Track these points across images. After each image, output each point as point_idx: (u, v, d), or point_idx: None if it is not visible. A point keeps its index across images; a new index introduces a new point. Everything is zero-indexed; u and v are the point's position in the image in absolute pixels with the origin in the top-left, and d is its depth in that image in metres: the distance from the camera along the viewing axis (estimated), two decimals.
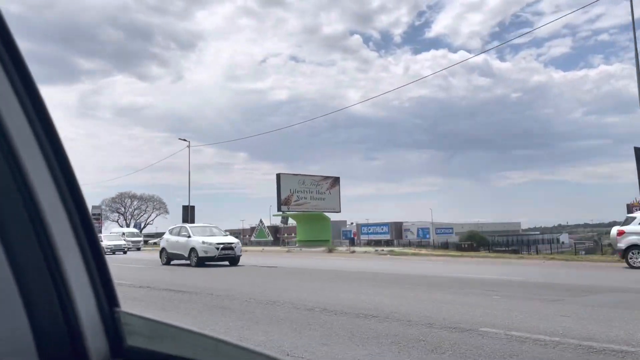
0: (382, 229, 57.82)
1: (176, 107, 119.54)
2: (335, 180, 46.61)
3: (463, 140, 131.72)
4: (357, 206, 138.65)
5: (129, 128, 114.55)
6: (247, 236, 65.60)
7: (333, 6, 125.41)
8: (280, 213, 44.50)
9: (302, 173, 45.44)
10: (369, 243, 49.50)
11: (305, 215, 44.10)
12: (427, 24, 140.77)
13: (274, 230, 65.10)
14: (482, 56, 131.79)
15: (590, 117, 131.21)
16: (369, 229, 58.69)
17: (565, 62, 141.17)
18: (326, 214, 44.04)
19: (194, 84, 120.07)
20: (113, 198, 75.15)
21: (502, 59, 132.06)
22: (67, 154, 0.73)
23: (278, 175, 43.08)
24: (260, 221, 52.87)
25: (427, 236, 54.10)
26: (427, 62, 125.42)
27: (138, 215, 77.77)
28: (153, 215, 77.83)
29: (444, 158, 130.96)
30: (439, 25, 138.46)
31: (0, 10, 0.67)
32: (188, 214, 41.00)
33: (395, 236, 55.73)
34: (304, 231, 44.42)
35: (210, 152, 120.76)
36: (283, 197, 42.20)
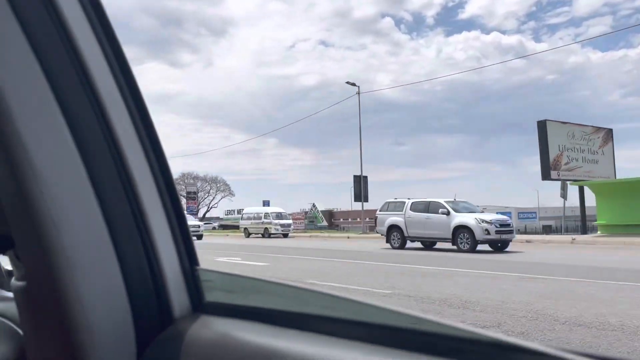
0: None
1: (207, 93, 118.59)
2: (608, 134, 29.56)
3: (496, 124, 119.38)
4: (386, 192, 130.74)
5: (160, 115, 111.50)
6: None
7: None
8: (556, 180, 26.51)
9: (570, 122, 28.08)
10: None
11: (615, 185, 24.77)
12: (461, 5, 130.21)
13: (328, 215, 63.16)
14: (517, 37, 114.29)
15: (630, 99, 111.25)
16: None
17: (603, 42, 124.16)
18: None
19: (224, 70, 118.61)
20: (175, 179, 72.55)
21: (537, 39, 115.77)
22: (153, 122, 0.78)
23: (542, 123, 26.40)
24: (314, 205, 51.73)
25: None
26: (459, 44, 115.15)
27: (202, 197, 70.94)
28: (218, 197, 71.90)
29: (476, 142, 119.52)
30: (474, 6, 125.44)
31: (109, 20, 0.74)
32: (361, 185, 34.18)
33: None
34: (610, 209, 23.60)
35: (239, 138, 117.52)
36: (552, 156, 26.04)
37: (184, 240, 0.78)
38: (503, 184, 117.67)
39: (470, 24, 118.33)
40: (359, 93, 35.64)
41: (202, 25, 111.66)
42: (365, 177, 34.83)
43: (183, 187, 67.96)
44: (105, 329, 0.66)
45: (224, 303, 0.78)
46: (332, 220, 59.65)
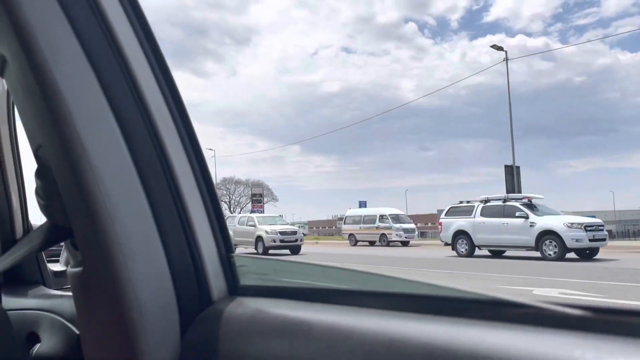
0: None
1: (231, 101, 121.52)
2: None
3: (523, 127, 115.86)
4: (412, 197, 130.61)
5: None
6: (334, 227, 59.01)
7: None
8: None
9: None
10: None
11: None
12: (486, 8, 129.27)
13: None
14: (543, 39, 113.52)
15: None
16: None
17: (633, 43, 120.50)
18: None
19: (248, 78, 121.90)
20: (216, 184, 64.35)
21: (564, 41, 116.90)
22: (191, 123, 0.87)
23: None
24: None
25: None
26: (483, 48, 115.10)
27: (244, 203, 66.92)
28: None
29: (502, 147, 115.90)
30: (499, 8, 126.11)
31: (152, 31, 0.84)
32: (514, 176, 25.83)
33: None
34: None
35: (263, 145, 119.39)
36: None
37: (221, 230, 0.86)
38: (532, 188, 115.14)
39: (495, 27, 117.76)
40: (506, 59, 27.84)
41: (226, 34, 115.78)
42: (518, 168, 27.13)
43: (224, 192, 65.88)
44: (153, 308, 0.74)
45: (257, 285, 0.85)
46: None
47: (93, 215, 0.73)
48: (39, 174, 0.85)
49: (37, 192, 0.88)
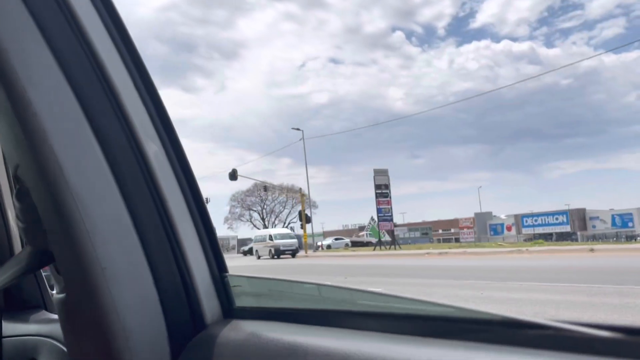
0: (557, 218, 47.82)
1: (220, 117, 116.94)
2: None
3: (512, 132, 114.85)
4: (405, 206, 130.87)
5: None
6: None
7: (375, 3, 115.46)
8: None
9: None
10: (535, 237, 41.23)
11: None
12: (472, 14, 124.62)
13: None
14: (528, 44, 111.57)
15: None
16: (535, 220, 48.92)
17: (617, 45, 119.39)
18: None
19: (236, 92, 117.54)
20: (245, 191, 60.32)
21: (549, 45, 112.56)
22: (178, 138, 0.83)
23: None
24: (372, 218, 49.21)
25: (629, 225, 42.97)
26: (470, 54, 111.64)
27: (279, 211, 62.52)
28: (297, 209, 55.46)
29: (492, 152, 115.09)
30: (485, 14, 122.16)
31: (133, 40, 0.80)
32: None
33: (578, 227, 45.69)
34: None
35: (253, 158, 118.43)
36: None
37: (213, 249, 0.82)
38: (522, 191, 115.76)
39: (481, 33, 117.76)
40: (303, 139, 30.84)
41: (213, 49, 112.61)
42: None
43: (257, 200, 60.36)
44: (141, 336, 0.70)
45: (253, 307, 0.81)
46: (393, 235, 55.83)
47: (72, 238, 0.69)
48: (18, 196, 0.81)
49: (17, 215, 0.84)
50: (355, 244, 50.21)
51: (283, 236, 34.10)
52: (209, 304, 0.78)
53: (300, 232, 40.50)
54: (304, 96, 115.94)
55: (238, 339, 0.70)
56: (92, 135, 0.73)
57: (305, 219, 38.22)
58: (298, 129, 39.43)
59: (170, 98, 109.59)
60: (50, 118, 0.69)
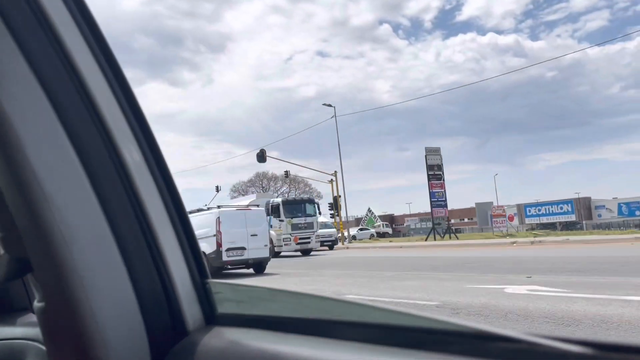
0: (561, 208, 47.44)
1: (207, 110, 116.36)
2: None
3: (497, 124, 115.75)
4: (394, 198, 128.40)
5: (163, 134, 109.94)
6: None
7: None
8: None
9: None
10: (538, 227, 40.78)
11: None
12: (458, 7, 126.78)
13: (390, 219, 58.06)
14: (513, 36, 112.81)
15: (630, 91, 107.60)
16: (539, 210, 48.83)
17: (601, 37, 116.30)
18: None
19: (224, 86, 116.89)
20: (246, 182, 59.66)
21: (534, 37, 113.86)
22: (157, 143, 0.81)
23: None
24: (369, 209, 48.25)
25: (637, 213, 42.54)
26: (457, 47, 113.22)
27: None
28: None
29: (478, 144, 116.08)
30: (471, 7, 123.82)
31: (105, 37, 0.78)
32: None
33: (583, 216, 45.20)
34: None
35: (240, 152, 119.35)
36: None
37: (194, 254, 0.81)
38: (508, 182, 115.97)
39: (467, 26, 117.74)
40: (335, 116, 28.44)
41: (201, 42, 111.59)
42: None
43: (260, 190, 56.58)
44: (120, 344, 0.69)
45: (235, 314, 0.80)
46: (394, 226, 54.39)
47: (49, 246, 0.68)
48: None
49: None
50: (379, 235, 47.90)
51: (320, 225, 26.56)
52: (191, 310, 0.77)
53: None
54: (292, 89, 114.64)
55: (220, 346, 0.70)
56: (67, 140, 0.71)
57: (337, 207, 33.37)
58: (330, 105, 34.62)
59: (157, 92, 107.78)
60: (22, 123, 0.68)
